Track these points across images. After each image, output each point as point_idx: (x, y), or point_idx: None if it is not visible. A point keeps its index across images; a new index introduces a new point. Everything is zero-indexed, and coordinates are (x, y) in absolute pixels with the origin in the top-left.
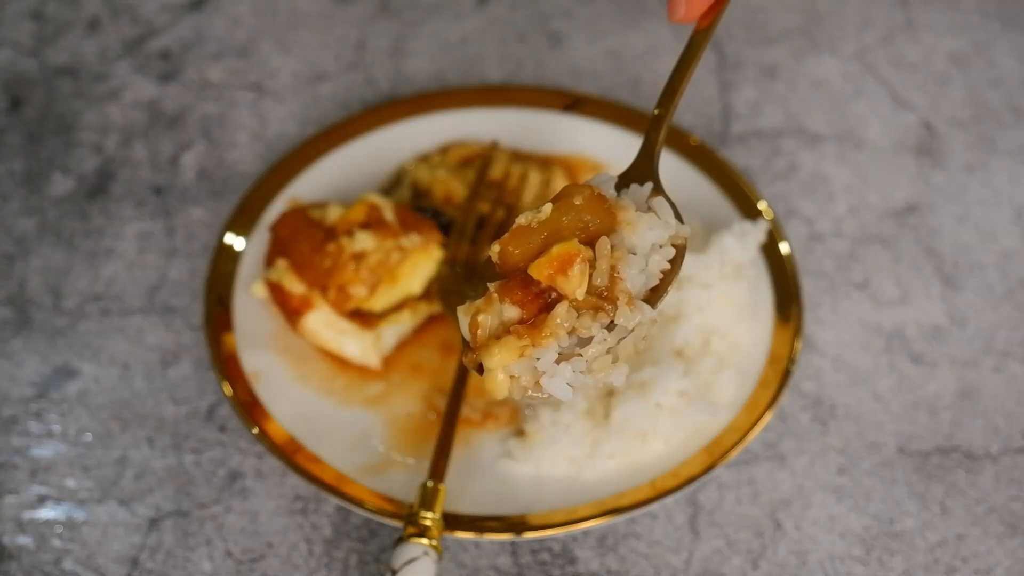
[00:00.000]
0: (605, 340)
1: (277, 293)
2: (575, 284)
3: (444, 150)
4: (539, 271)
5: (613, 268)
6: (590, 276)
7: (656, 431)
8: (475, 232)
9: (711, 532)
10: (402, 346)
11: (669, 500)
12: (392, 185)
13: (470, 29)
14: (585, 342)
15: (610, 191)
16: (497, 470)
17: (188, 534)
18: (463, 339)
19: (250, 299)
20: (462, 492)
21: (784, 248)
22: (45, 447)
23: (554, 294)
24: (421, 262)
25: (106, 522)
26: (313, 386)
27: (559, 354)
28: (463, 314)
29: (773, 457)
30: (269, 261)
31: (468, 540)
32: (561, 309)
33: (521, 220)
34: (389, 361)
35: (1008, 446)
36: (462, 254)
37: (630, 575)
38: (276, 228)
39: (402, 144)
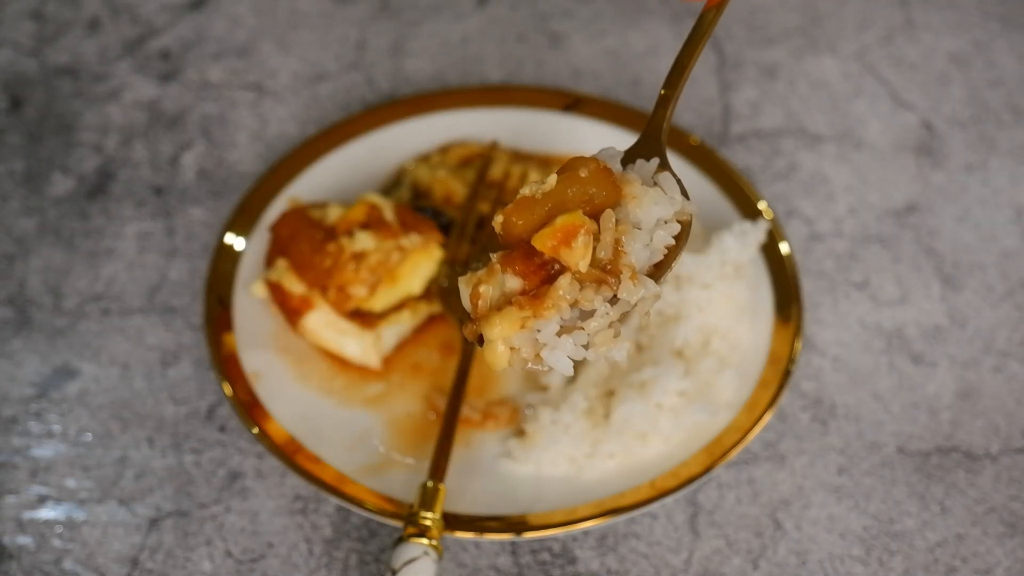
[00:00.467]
0: (607, 314)
1: (277, 293)
2: (579, 256)
3: (444, 150)
4: (542, 242)
5: (617, 242)
6: (594, 249)
7: (656, 431)
8: (475, 232)
9: (711, 532)
10: (402, 346)
11: (669, 500)
12: (392, 185)
13: (470, 29)
14: (587, 315)
15: (616, 165)
16: (497, 470)
17: (188, 534)
18: (464, 310)
19: (250, 299)
20: (462, 492)
21: (784, 248)
22: (45, 447)
23: (557, 266)
24: (421, 262)
25: (106, 522)
26: (313, 386)
27: (561, 327)
28: (464, 284)
29: (773, 457)
30: (269, 261)
31: (468, 540)
32: (564, 281)
33: (525, 191)
34: (389, 361)
35: (1008, 446)
36: (462, 254)
37: (630, 575)
38: (276, 228)
39: (402, 144)
